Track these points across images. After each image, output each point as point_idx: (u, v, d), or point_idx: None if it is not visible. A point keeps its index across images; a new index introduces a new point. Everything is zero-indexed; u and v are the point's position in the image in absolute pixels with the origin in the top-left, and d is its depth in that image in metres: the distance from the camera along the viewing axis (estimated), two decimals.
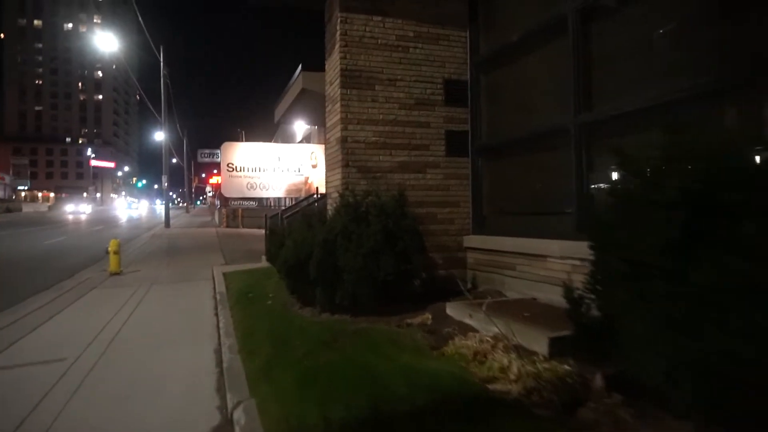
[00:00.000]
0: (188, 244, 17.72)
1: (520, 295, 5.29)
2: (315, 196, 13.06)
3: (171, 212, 28.40)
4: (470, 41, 6.50)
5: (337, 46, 6.04)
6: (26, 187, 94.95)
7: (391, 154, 6.14)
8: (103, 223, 34.99)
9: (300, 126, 31.96)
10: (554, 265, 4.84)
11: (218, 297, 7.44)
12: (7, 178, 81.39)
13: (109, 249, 10.48)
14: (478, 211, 6.42)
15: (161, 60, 26.74)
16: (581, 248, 3.96)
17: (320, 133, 29.14)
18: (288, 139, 31.70)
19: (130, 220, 42.75)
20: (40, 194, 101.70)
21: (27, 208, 68.36)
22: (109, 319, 6.36)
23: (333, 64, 6.24)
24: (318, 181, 26.13)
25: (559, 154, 5.13)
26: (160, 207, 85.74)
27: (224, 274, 9.64)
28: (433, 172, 6.32)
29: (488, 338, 3.86)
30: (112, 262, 10.48)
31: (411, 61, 6.26)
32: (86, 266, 12.04)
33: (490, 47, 6.35)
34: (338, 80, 6.01)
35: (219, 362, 4.54)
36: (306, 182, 26.41)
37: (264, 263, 11.43)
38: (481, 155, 6.42)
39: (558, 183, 5.25)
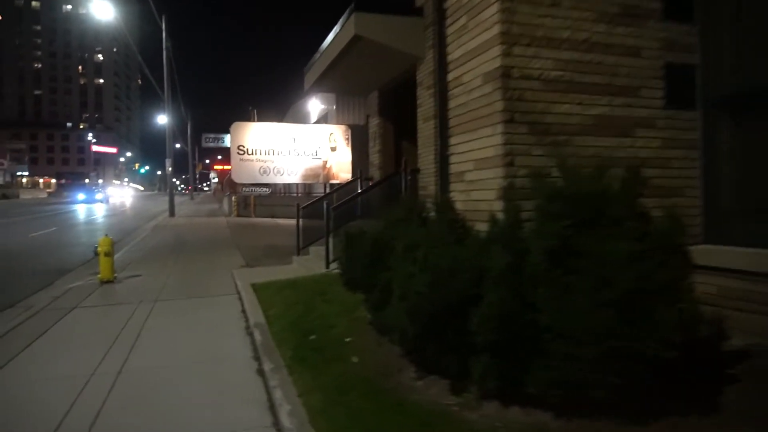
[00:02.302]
0: (197, 237, 15.08)
1: None
2: (360, 181, 10.39)
3: (173, 199, 25.67)
4: None
5: None
6: (25, 173, 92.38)
7: (581, 103, 3.45)
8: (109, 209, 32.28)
9: (315, 105, 29.11)
10: None
11: (256, 335, 4.78)
12: (5, 163, 78.54)
13: (99, 249, 7.84)
14: (715, 203, 3.73)
15: (163, 30, 23.89)
16: None
17: (339, 112, 26.21)
18: (300, 120, 28.93)
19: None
20: (41, 180, 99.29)
21: (26, 195, 65.95)
22: (85, 379, 3.78)
23: None
24: (337, 165, 23.42)
25: None
26: (155, 195, 78.35)
27: (254, 287, 6.99)
28: (646, 137, 3.63)
29: None
30: (103, 267, 7.86)
31: None
32: (73, 269, 9.46)
33: None
34: None
35: None
36: (324, 167, 23.56)
37: (298, 267, 8.82)
38: (725, 108, 3.70)
39: None
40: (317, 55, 10.02)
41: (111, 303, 6.59)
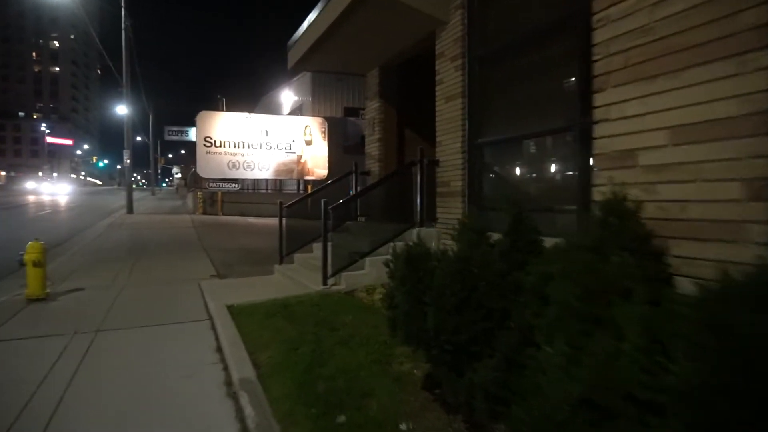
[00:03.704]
0: (158, 237, 13.11)
1: None
2: (354, 175, 8.73)
3: (132, 194, 23.28)
4: None
5: None
6: None
7: None
8: (51, 206, 29.50)
9: (288, 96, 27.18)
10: None
11: (245, 405, 3.10)
12: None
13: (26, 257, 6.02)
14: None
15: (122, 7, 21.58)
16: None
17: (315, 104, 24.45)
18: (272, 112, 27.06)
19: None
20: None
21: None
22: None
23: None
24: (312, 160, 21.68)
25: None
26: (114, 189, 70.28)
27: (231, 312, 5.30)
28: None
29: None
30: (31, 280, 6.06)
31: None
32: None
33: None
34: None
35: None
36: (299, 161, 21.96)
37: (283, 279, 7.15)
38: None
39: None
40: (305, 25, 8.32)
41: (33, 334, 4.79)
